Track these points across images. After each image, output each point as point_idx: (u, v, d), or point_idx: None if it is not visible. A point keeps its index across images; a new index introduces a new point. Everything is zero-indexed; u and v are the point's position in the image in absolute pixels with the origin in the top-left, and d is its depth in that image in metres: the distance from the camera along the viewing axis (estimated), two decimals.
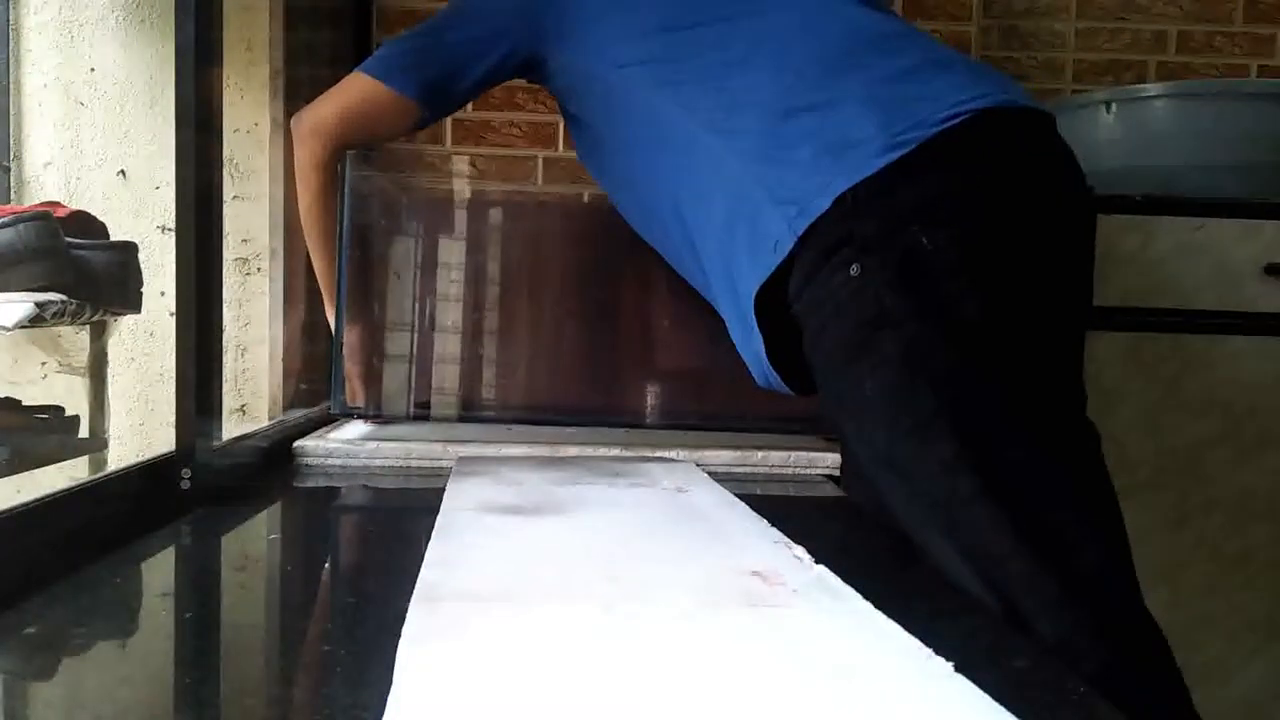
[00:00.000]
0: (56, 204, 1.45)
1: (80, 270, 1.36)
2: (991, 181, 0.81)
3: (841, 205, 0.80)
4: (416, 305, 1.42)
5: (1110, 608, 0.76)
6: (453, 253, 1.41)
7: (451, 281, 1.41)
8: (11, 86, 1.67)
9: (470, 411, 1.32)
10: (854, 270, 0.80)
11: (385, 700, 0.44)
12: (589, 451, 1.18)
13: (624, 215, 1.13)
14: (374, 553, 0.92)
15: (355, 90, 1.09)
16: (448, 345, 1.44)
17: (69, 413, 1.48)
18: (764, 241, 0.85)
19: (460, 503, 0.89)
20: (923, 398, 0.78)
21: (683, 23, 0.95)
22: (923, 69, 0.84)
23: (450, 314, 1.39)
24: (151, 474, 0.90)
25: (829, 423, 1.15)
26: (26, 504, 0.72)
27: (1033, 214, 0.82)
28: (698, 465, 1.15)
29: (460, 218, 1.42)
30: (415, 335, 1.42)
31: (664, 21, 0.96)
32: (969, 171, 0.80)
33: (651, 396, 1.36)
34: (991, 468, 0.77)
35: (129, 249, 1.45)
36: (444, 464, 1.11)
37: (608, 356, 1.40)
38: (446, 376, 1.42)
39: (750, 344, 0.92)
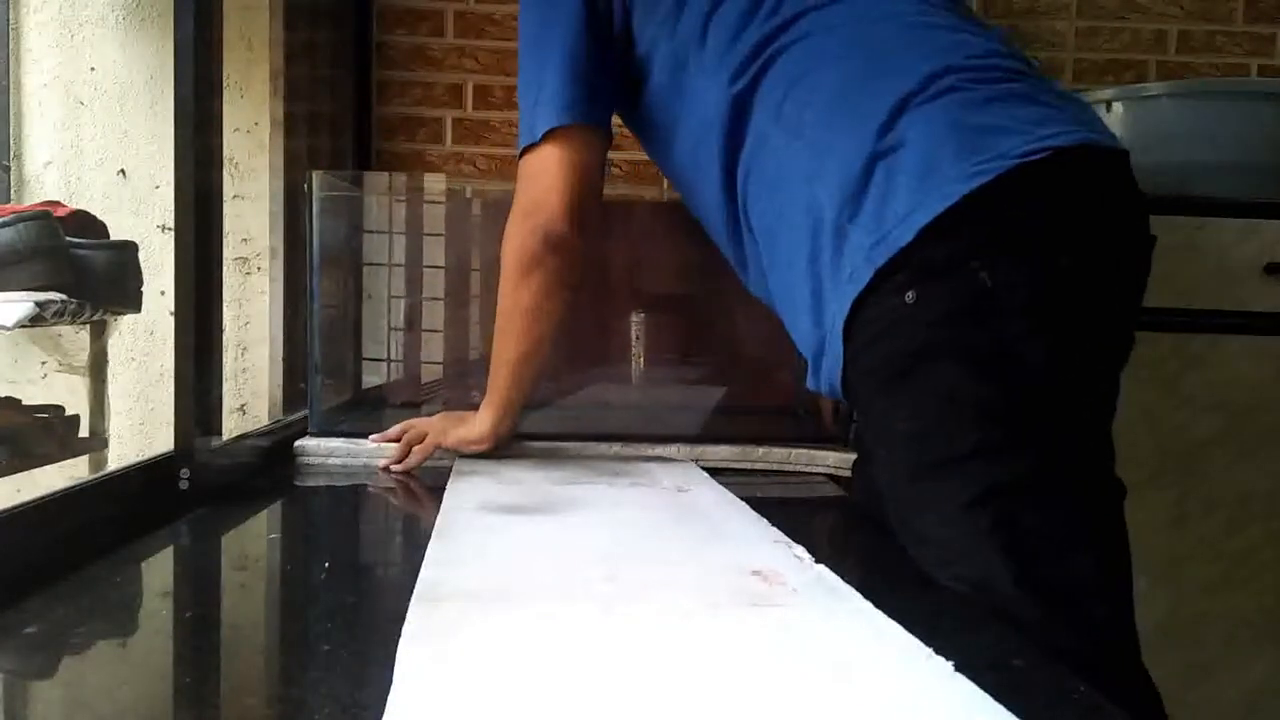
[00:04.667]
0: (56, 203, 1.45)
1: (80, 270, 1.36)
2: (1063, 223, 0.78)
3: (919, 236, 0.77)
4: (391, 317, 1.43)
5: (1109, 666, 0.75)
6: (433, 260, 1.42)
7: (430, 294, 1.41)
8: (11, 86, 1.67)
9: None
10: (909, 297, 0.78)
11: (385, 700, 0.44)
12: (589, 450, 1.18)
13: (665, 172, 1.08)
14: (374, 553, 0.92)
15: (551, 162, 1.00)
16: (429, 355, 1.44)
17: (69, 412, 1.48)
18: (844, 265, 0.82)
19: (460, 502, 0.89)
20: (957, 438, 0.77)
21: (771, 17, 0.90)
22: (1008, 99, 0.81)
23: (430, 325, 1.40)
24: (151, 474, 0.90)
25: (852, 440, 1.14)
26: (26, 504, 0.72)
27: (1101, 261, 0.80)
28: (698, 464, 1.15)
29: (439, 227, 1.42)
30: (395, 348, 1.43)
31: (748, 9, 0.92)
32: (1041, 210, 0.78)
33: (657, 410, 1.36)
34: (1009, 520, 0.75)
35: (129, 248, 1.45)
36: (444, 463, 1.10)
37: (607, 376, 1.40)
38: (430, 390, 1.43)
39: (823, 355, 0.88)
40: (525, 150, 1.01)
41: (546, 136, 0.99)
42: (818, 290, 0.85)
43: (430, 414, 1.16)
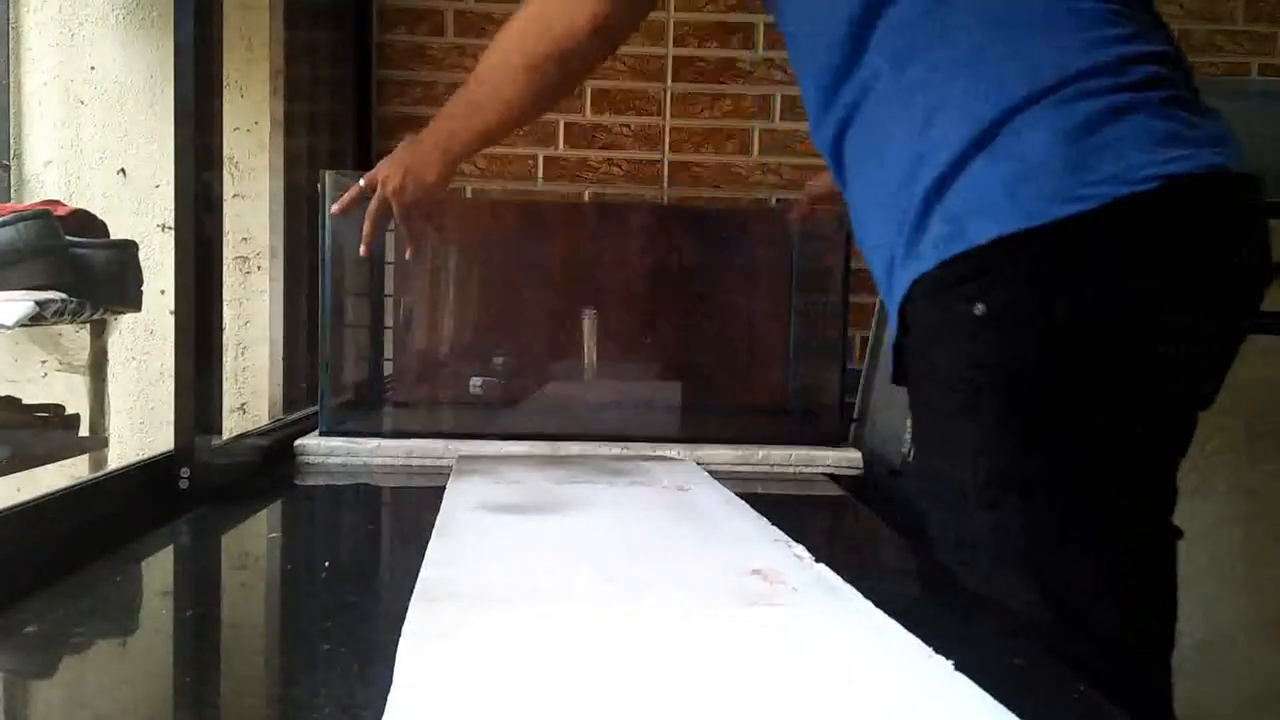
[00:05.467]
0: (57, 202, 1.45)
1: (80, 269, 1.36)
2: (1159, 261, 0.72)
3: (997, 243, 0.72)
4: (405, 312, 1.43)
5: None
6: (450, 261, 1.41)
7: (445, 292, 1.41)
8: (12, 85, 1.67)
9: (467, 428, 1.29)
10: (978, 310, 0.73)
11: (385, 700, 0.44)
12: (589, 450, 1.18)
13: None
14: (374, 552, 0.92)
15: None
16: (442, 355, 1.44)
17: (69, 411, 1.48)
18: (916, 240, 0.77)
19: (461, 502, 0.89)
20: (1007, 462, 0.74)
21: None
22: (1139, 111, 0.73)
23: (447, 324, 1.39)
24: (151, 473, 0.90)
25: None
26: (27, 503, 0.72)
27: (1199, 305, 0.74)
28: (698, 464, 1.15)
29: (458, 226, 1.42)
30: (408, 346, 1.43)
31: None
32: (1141, 247, 0.71)
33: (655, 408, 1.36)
34: (1043, 553, 0.73)
35: (129, 247, 1.45)
36: (444, 463, 1.10)
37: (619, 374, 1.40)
38: (439, 390, 1.43)
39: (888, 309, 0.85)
40: None
41: None
42: (893, 245, 0.80)
43: (439, 416, 1.16)
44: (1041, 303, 0.72)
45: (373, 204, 1.08)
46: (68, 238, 1.35)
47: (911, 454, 0.88)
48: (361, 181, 1.09)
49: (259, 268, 1.70)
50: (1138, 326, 0.73)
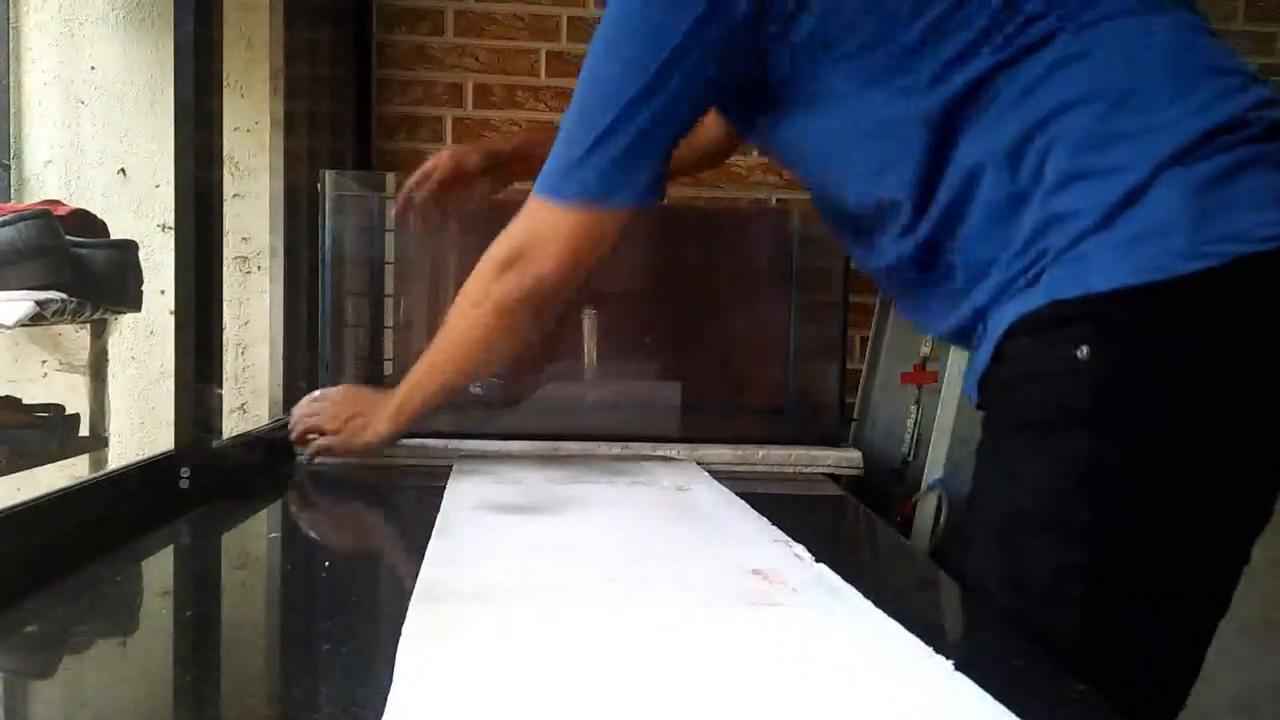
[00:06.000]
0: (57, 202, 1.45)
1: (80, 269, 1.36)
2: (1273, 324, 0.71)
3: (1113, 293, 0.71)
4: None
5: None
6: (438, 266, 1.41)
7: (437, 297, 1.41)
8: (12, 84, 1.67)
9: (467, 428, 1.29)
10: (1081, 353, 0.72)
11: (385, 699, 0.44)
12: (589, 449, 1.18)
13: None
14: (374, 552, 0.92)
15: (570, 227, 0.92)
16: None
17: (69, 411, 1.48)
18: (1017, 282, 0.77)
19: (461, 501, 0.89)
20: (1079, 511, 0.72)
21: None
22: (1262, 164, 0.72)
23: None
24: (151, 473, 0.90)
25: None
26: (27, 503, 0.72)
27: None
28: (698, 464, 1.15)
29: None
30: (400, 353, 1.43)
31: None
32: (1263, 305, 0.71)
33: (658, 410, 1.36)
34: (1103, 604, 0.72)
35: (129, 247, 1.45)
36: (445, 462, 1.10)
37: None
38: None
39: (974, 352, 0.84)
40: (547, 189, 0.92)
41: (582, 207, 0.91)
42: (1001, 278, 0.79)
43: (439, 416, 1.15)
44: (1149, 351, 0.71)
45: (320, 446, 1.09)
46: (68, 237, 1.35)
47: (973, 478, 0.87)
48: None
49: (259, 268, 1.69)
50: (1243, 385, 0.72)
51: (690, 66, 0.84)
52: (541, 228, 0.93)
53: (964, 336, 0.85)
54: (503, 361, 1.01)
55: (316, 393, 1.12)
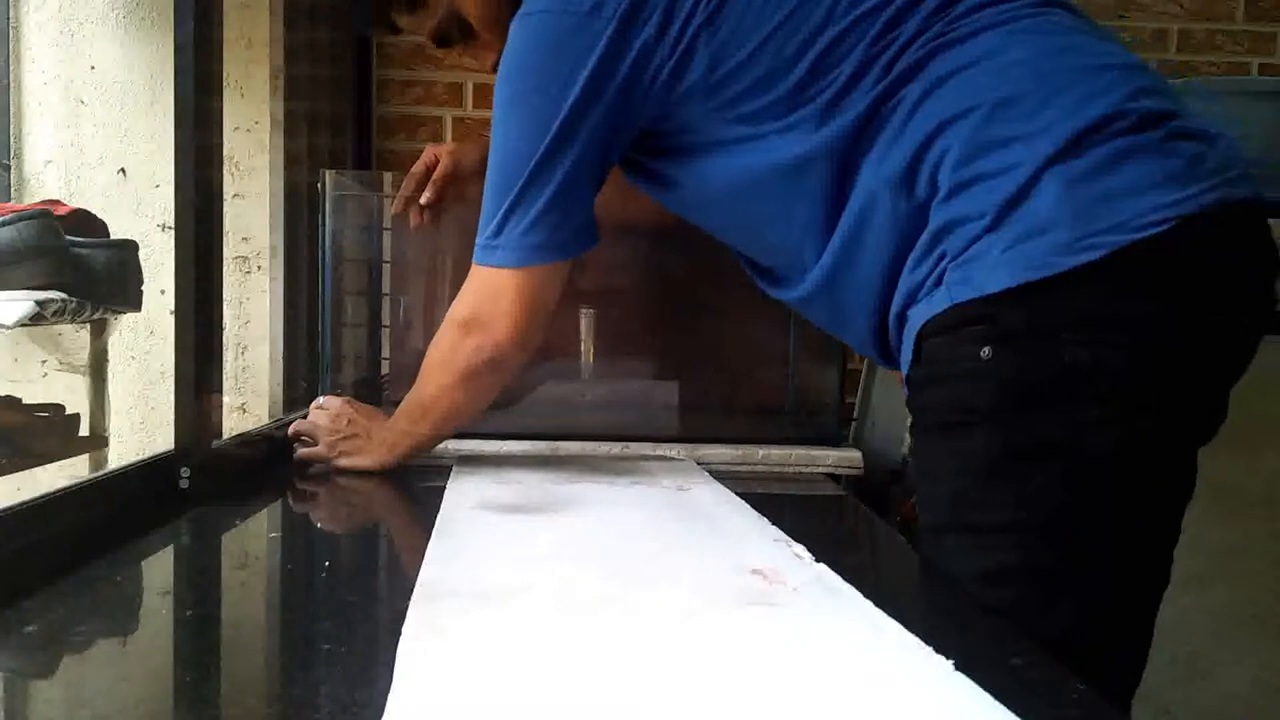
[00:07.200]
0: (57, 202, 1.45)
1: (80, 268, 1.36)
2: (1166, 305, 0.73)
3: (1008, 292, 0.73)
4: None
5: None
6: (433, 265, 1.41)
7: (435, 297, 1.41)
8: (12, 84, 1.67)
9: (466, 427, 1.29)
10: (985, 353, 0.74)
11: (385, 699, 0.44)
12: (589, 449, 1.18)
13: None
14: (374, 552, 0.92)
15: (512, 289, 0.94)
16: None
17: (69, 411, 1.48)
18: (925, 286, 0.79)
19: (461, 501, 0.89)
20: (997, 509, 0.74)
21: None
22: (1146, 151, 0.73)
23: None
24: (151, 472, 0.90)
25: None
26: (27, 502, 0.72)
27: (1205, 355, 0.75)
28: (698, 463, 1.15)
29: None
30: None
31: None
32: (1148, 292, 0.72)
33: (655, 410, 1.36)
34: (1029, 606, 0.73)
35: (129, 247, 1.45)
36: (445, 461, 1.10)
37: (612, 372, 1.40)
38: None
39: (884, 349, 0.87)
40: (480, 258, 0.94)
41: (521, 268, 0.93)
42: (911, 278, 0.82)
43: None
44: (1046, 350, 0.73)
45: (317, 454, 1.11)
46: (68, 237, 1.35)
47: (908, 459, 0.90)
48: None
49: (259, 268, 1.69)
50: (1139, 377, 0.73)
51: (595, 118, 0.87)
52: (489, 292, 0.96)
53: (888, 353, 0.87)
54: (480, 414, 1.05)
55: (320, 400, 1.13)
